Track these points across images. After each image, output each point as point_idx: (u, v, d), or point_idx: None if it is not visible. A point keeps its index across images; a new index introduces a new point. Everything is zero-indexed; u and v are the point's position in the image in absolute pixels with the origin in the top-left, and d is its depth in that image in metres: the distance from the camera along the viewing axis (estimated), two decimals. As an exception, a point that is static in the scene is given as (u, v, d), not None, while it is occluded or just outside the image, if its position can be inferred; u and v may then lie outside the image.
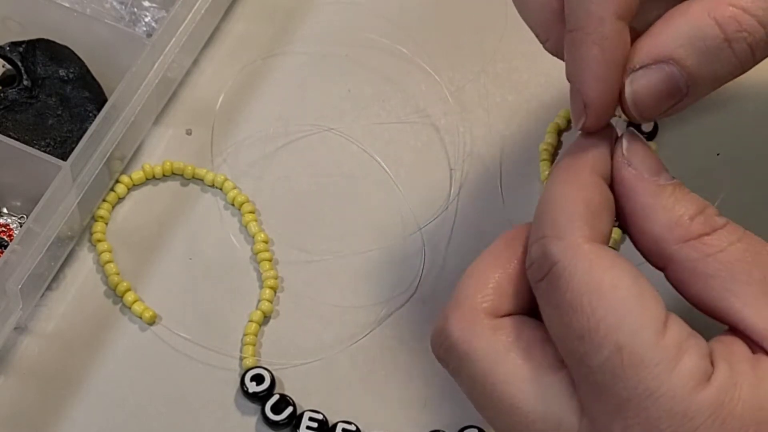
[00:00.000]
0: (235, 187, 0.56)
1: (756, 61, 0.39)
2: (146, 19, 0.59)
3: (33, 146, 0.52)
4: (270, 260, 0.55)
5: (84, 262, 0.54)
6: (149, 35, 0.58)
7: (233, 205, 0.56)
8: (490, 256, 0.41)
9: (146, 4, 0.59)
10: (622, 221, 0.40)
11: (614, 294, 0.37)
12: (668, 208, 0.39)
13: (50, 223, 0.50)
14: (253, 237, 0.55)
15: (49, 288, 0.53)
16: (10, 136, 0.52)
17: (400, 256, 0.55)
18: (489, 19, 0.63)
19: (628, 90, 0.40)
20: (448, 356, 0.40)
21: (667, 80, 0.39)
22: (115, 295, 0.53)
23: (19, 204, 0.54)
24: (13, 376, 0.51)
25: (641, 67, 0.39)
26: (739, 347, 0.37)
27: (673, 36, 0.39)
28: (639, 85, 0.40)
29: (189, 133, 0.59)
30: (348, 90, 0.61)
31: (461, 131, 0.59)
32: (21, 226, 0.52)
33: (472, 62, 0.61)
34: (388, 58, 0.61)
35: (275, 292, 0.54)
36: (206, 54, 0.61)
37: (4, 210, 0.54)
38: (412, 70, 0.61)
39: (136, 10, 0.59)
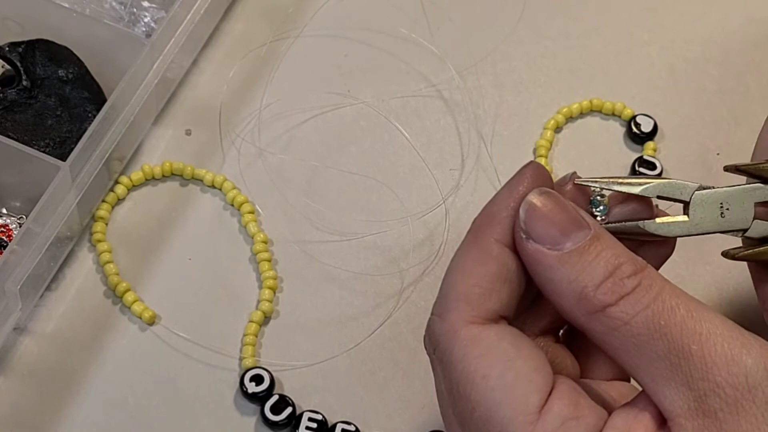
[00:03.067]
0: (234, 188, 0.56)
1: None
2: (145, 20, 0.59)
3: (32, 146, 0.52)
4: (269, 260, 0.55)
5: (83, 263, 0.54)
6: (148, 35, 0.58)
7: (233, 205, 0.56)
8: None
9: (145, 4, 0.59)
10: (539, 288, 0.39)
11: (485, 385, 0.37)
12: (572, 281, 0.37)
13: (49, 223, 0.50)
14: (253, 237, 0.55)
15: (48, 288, 0.53)
16: (9, 137, 0.52)
17: (401, 258, 0.55)
18: (490, 20, 0.63)
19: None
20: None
21: None
22: (114, 295, 0.53)
23: (18, 204, 0.54)
24: (12, 376, 0.51)
25: None
26: (640, 423, 0.36)
27: None
28: None
29: (188, 133, 0.59)
30: (348, 90, 0.61)
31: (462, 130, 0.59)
32: (20, 227, 0.52)
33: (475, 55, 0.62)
34: (388, 59, 0.62)
35: (275, 292, 0.54)
36: (205, 54, 0.61)
37: (4, 210, 0.54)
38: (412, 70, 0.61)
39: (135, 10, 0.59)
